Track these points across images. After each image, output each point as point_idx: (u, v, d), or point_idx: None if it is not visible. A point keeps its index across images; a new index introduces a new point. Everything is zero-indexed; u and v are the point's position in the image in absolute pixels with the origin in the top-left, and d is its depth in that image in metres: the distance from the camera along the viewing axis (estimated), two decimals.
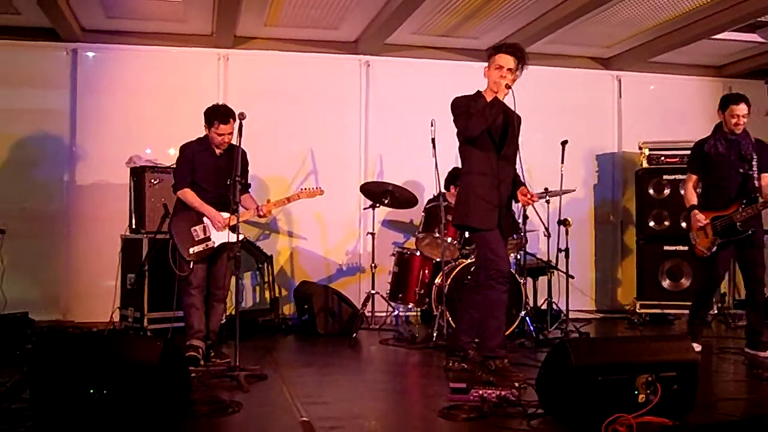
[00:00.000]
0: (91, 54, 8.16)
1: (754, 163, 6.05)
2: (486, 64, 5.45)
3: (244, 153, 5.49)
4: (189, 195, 5.88)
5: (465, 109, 5.34)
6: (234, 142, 5.50)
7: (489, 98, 5.33)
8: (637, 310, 8.38)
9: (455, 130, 5.47)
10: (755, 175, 6.02)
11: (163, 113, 8.02)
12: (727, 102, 6.27)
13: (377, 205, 7.60)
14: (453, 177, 7.31)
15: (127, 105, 8.11)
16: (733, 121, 6.18)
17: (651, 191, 8.45)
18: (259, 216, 6.11)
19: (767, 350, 6.04)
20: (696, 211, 6.20)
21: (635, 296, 8.56)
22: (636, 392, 3.98)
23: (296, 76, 8.59)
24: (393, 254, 7.63)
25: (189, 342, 5.73)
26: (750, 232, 5.97)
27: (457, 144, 5.53)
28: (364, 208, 7.97)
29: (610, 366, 4.00)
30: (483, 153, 5.39)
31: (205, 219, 5.88)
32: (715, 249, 6.09)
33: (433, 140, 6.79)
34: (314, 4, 7.48)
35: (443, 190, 6.94)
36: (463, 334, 5.55)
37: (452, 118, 5.41)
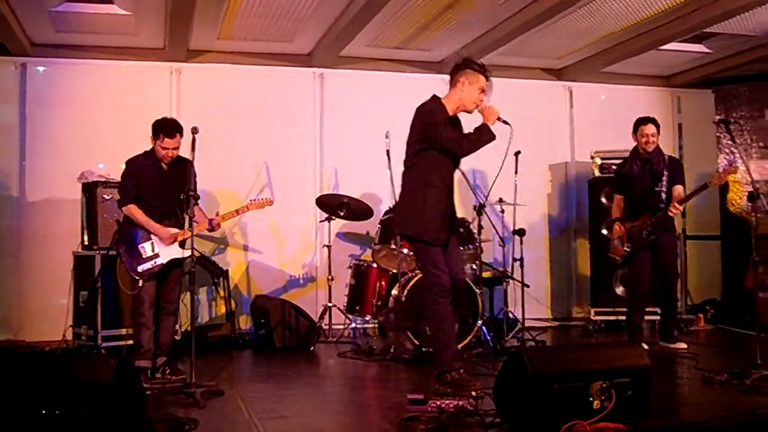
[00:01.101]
0: (40, 68, 8.05)
1: (664, 179, 6.82)
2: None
3: (191, 164, 5.43)
4: (134, 210, 5.82)
5: (442, 121, 5.29)
6: (188, 156, 5.45)
7: (452, 112, 5.38)
8: (592, 317, 8.49)
9: (409, 139, 5.42)
10: (664, 190, 6.80)
11: (116, 128, 7.92)
12: (637, 124, 7.05)
13: (333, 217, 7.61)
14: None
15: (79, 119, 8.00)
16: (644, 140, 6.95)
17: (603, 199, 8.56)
18: (209, 230, 6.07)
19: (677, 342, 6.95)
20: (617, 223, 7.06)
21: (589, 303, 8.67)
22: (591, 399, 4.03)
23: (250, 90, 8.55)
24: (350, 266, 7.62)
25: (136, 363, 5.59)
26: (652, 239, 6.80)
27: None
28: (320, 221, 7.96)
29: (565, 374, 4.05)
30: (444, 165, 5.39)
31: (152, 236, 5.82)
32: (626, 252, 6.95)
33: (387, 152, 6.82)
34: (267, 17, 7.45)
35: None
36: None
37: (425, 125, 5.27)
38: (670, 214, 6.69)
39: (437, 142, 5.27)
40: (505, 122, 5.42)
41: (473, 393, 4.90)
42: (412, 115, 5.41)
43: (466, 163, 5.84)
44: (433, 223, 5.32)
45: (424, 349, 6.50)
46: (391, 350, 6.72)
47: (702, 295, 9.41)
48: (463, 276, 5.76)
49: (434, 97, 5.45)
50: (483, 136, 5.28)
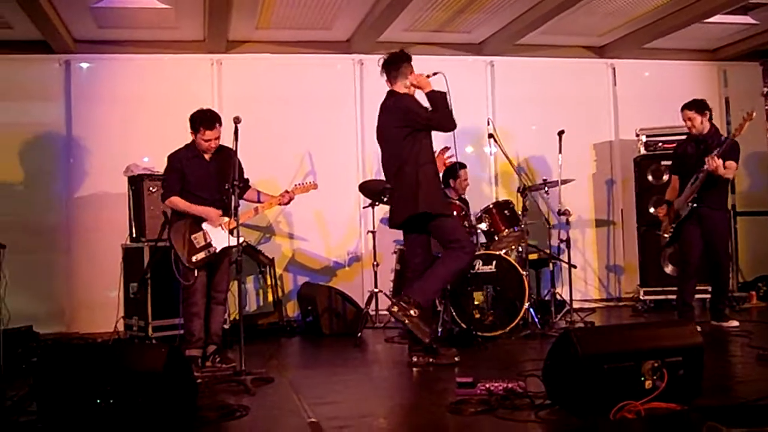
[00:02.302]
0: (84, 65, 8.17)
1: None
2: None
3: (235, 153, 5.44)
4: (176, 201, 5.87)
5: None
6: (230, 146, 5.47)
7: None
8: (641, 297, 8.39)
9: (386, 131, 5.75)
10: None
11: (159, 121, 8.00)
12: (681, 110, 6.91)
13: (376, 203, 7.60)
14: (451, 172, 7.34)
15: (123, 114, 8.11)
16: (687, 125, 6.84)
17: (650, 177, 8.45)
18: (284, 203, 6.24)
19: (729, 320, 6.85)
20: (664, 205, 7.09)
21: (638, 283, 8.56)
22: (643, 379, 3.97)
23: (290, 78, 8.59)
24: (394, 252, 7.61)
25: (187, 352, 5.66)
26: (693, 206, 6.71)
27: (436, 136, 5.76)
28: (364, 207, 7.96)
29: (615, 354, 3.99)
30: (431, 143, 5.75)
31: (204, 225, 5.87)
32: (672, 229, 6.90)
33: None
34: (305, 5, 7.47)
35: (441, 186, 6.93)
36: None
37: (410, 113, 5.62)
38: (708, 167, 6.48)
39: (430, 124, 5.62)
40: (433, 74, 5.73)
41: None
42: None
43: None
44: (444, 197, 5.95)
45: (474, 332, 6.49)
46: (438, 333, 6.71)
47: (754, 272, 9.23)
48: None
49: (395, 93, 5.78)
50: (442, 101, 5.56)
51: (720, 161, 6.48)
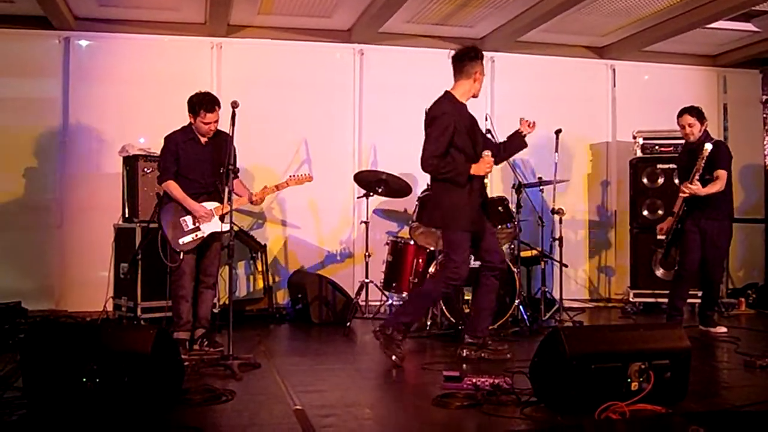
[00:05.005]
0: (84, 42, 8.12)
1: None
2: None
3: (231, 138, 5.42)
4: (172, 187, 5.85)
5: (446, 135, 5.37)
6: (227, 131, 5.46)
7: (466, 99, 5.57)
8: (631, 299, 8.40)
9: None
10: (697, 178, 6.49)
11: (157, 102, 7.97)
12: (677, 116, 6.83)
13: (371, 194, 7.59)
14: None
15: (120, 93, 8.07)
16: (683, 131, 6.79)
17: (645, 180, 8.44)
18: (252, 203, 6.10)
19: (717, 326, 6.89)
20: (669, 218, 7.01)
21: (629, 285, 8.58)
22: (629, 380, 3.99)
23: (290, 65, 8.56)
24: (387, 243, 7.61)
25: (175, 335, 5.67)
26: (677, 227, 6.74)
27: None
28: (358, 197, 7.96)
29: (603, 354, 4.01)
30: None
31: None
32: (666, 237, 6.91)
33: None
34: None
35: None
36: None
37: (432, 128, 5.40)
38: (681, 195, 6.59)
39: (424, 142, 5.42)
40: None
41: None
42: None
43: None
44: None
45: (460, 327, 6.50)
46: (427, 327, 6.72)
47: (744, 279, 9.28)
48: None
49: (448, 95, 5.56)
50: (458, 174, 5.39)
51: (696, 186, 6.46)
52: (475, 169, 5.40)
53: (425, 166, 5.44)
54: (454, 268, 5.44)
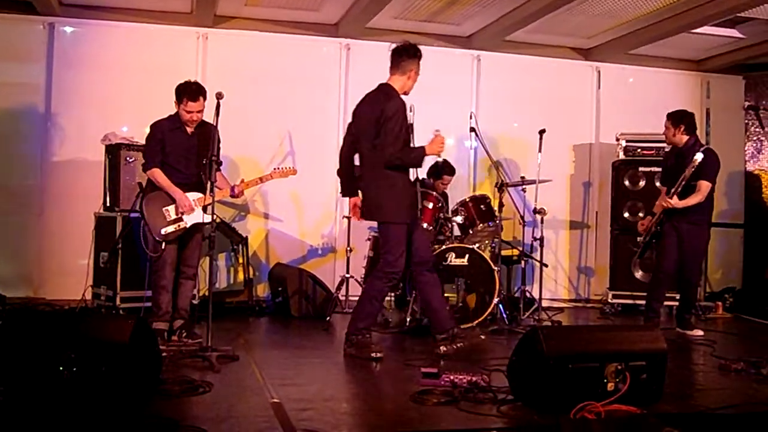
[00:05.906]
0: (68, 29, 8.05)
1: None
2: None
3: (216, 129, 5.43)
4: (157, 175, 5.83)
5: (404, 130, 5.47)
6: (211, 121, 5.46)
7: (401, 93, 5.60)
8: (609, 300, 8.45)
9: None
10: (683, 184, 6.58)
11: (141, 91, 7.92)
12: None
13: None
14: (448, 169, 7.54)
15: (105, 81, 8.01)
16: (663, 131, 6.93)
17: (626, 182, 8.50)
18: (233, 196, 6.09)
19: (694, 329, 6.96)
20: (648, 217, 7.18)
21: (608, 286, 8.63)
22: (605, 380, 4.02)
23: (276, 57, 8.53)
24: (368, 239, 7.61)
25: (153, 325, 5.64)
26: (655, 230, 6.89)
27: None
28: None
29: (580, 354, 4.04)
30: None
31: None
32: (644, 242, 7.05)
33: (411, 125, 6.77)
34: None
35: (424, 178, 6.97)
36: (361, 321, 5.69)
37: (391, 124, 5.44)
38: (662, 207, 6.72)
39: (386, 140, 5.44)
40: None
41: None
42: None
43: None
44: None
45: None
46: (407, 323, 6.74)
47: (722, 283, 9.36)
48: None
49: (392, 89, 5.60)
50: (412, 158, 5.52)
51: (674, 200, 6.57)
52: (429, 150, 5.50)
53: (391, 161, 5.46)
54: (393, 261, 5.52)
